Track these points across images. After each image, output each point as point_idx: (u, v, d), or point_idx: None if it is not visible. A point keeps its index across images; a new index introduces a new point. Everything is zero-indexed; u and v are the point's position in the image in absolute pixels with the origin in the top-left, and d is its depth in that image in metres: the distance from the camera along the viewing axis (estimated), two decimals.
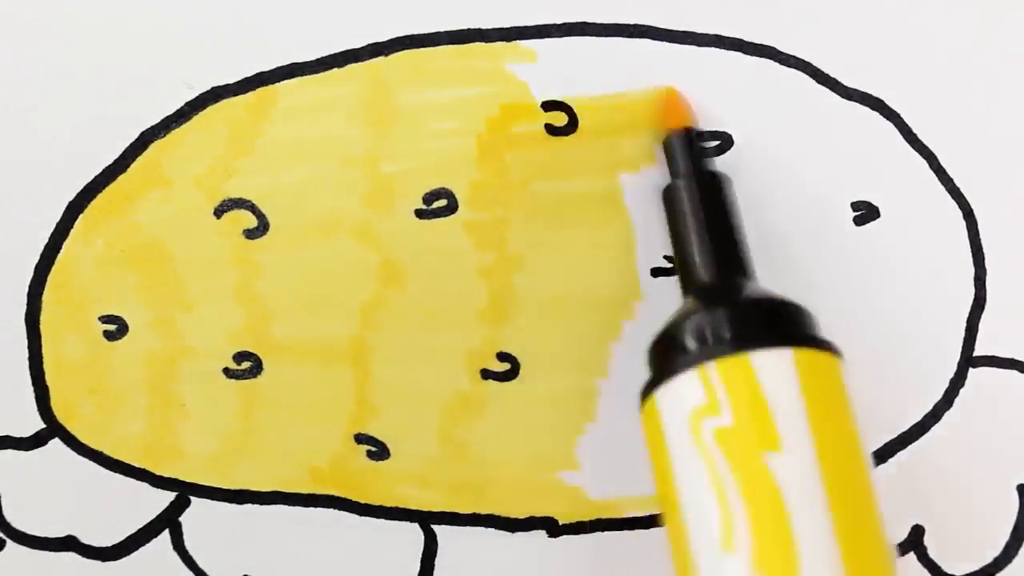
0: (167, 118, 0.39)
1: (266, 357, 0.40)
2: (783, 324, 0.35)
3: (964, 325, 0.40)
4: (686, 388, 0.33)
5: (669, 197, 0.38)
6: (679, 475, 0.33)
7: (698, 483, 0.33)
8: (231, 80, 0.39)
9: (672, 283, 0.40)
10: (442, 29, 0.39)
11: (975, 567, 0.41)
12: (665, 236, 0.38)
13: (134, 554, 0.40)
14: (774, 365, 0.33)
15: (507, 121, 0.39)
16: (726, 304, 0.35)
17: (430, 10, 0.39)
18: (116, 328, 0.40)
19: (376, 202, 0.39)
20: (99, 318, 0.40)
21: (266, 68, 0.39)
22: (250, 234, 0.40)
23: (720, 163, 0.40)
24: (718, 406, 0.33)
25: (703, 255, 0.37)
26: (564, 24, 0.39)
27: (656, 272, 0.40)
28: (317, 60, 0.39)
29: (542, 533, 0.40)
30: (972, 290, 0.40)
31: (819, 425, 0.33)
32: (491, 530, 0.40)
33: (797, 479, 0.32)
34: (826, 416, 0.33)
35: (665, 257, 0.40)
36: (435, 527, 0.40)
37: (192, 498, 0.40)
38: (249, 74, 0.39)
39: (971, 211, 0.40)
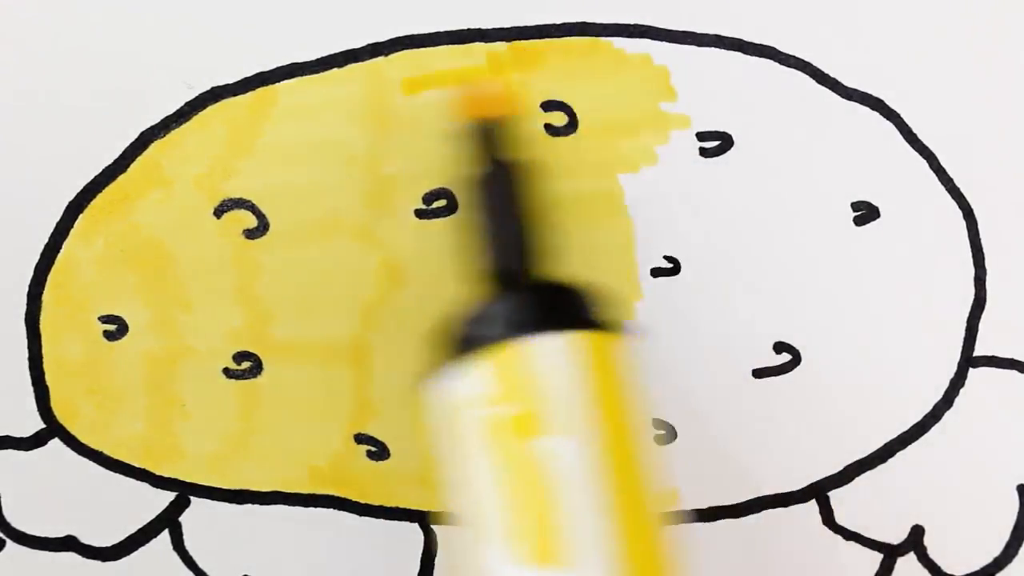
0: (167, 118, 0.39)
1: (266, 357, 0.40)
2: (558, 308, 0.35)
3: (964, 325, 0.41)
4: (467, 378, 0.34)
5: (471, 187, 0.38)
6: (454, 461, 0.34)
7: (472, 468, 0.33)
8: (231, 80, 0.39)
9: (672, 283, 0.40)
10: (442, 29, 0.39)
11: (975, 567, 0.41)
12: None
13: (134, 554, 0.40)
14: (549, 351, 0.33)
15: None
16: (507, 292, 0.35)
17: (430, 10, 0.39)
18: (116, 328, 0.40)
19: (376, 202, 0.39)
20: (99, 318, 0.40)
21: (266, 68, 0.39)
22: (250, 234, 0.40)
23: (720, 163, 0.40)
24: (498, 394, 0.33)
25: (496, 245, 0.37)
26: (564, 24, 0.39)
27: (656, 272, 0.40)
28: (317, 60, 0.39)
29: None
30: (972, 290, 0.40)
31: (594, 409, 0.33)
32: None
33: (569, 463, 0.32)
34: (602, 399, 0.33)
35: (665, 257, 0.40)
36: (435, 527, 0.40)
37: (192, 498, 0.40)
38: (249, 74, 0.39)
39: (971, 211, 0.40)
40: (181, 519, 0.40)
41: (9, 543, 0.40)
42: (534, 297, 0.35)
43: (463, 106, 0.38)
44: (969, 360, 0.41)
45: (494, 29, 0.39)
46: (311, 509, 0.40)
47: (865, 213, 0.40)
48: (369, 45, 0.39)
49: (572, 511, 0.32)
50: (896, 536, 0.40)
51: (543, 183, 0.38)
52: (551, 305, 0.35)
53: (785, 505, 0.40)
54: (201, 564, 0.40)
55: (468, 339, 0.34)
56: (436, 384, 0.35)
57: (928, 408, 0.41)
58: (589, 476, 0.32)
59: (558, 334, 0.33)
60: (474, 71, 0.39)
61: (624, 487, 0.32)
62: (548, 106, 0.39)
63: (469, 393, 0.34)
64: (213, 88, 0.39)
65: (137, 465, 0.40)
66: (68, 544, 0.40)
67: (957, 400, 0.41)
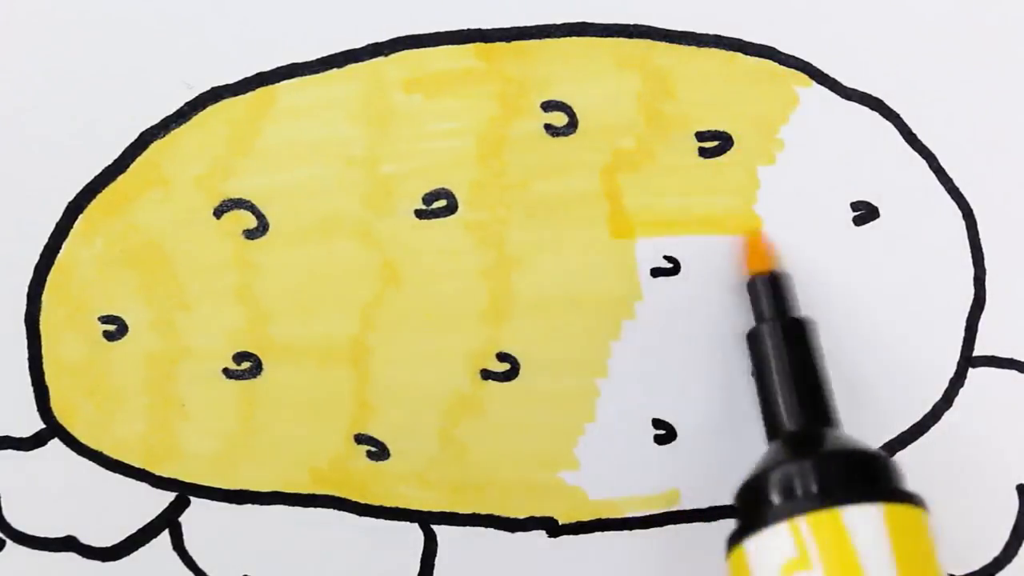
0: (167, 118, 0.39)
1: (266, 357, 0.40)
2: (872, 478, 0.35)
3: (964, 325, 0.40)
4: (776, 540, 0.34)
5: (754, 341, 0.38)
6: None
7: None
8: (231, 80, 0.39)
9: (672, 283, 0.40)
10: (442, 29, 0.39)
11: (975, 567, 0.41)
12: (751, 381, 0.39)
13: (134, 554, 0.40)
14: (864, 520, 0.33)
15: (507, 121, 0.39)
16: (814, 455, 0.35)
17: (430, 10, 0.39)
18: (116, 328, 0.40)
19: (376, 202, 0.39)
20: (99, 318, 0.40)
21: (266, 68, 0.39)
22: (250, 234, 0.40)
23: (720, 162, 0.40)
24: (809, 560, 0.33)
25: (789, 402, 0.37)
26: (564, 24, 0.39)
27: (656, 272, 0.40)
28: (317, 60, 0.39)
29: (542, 533, 0.40)
30: (972, 290, 0.40)
31: None
32: (491, 530, 0.40)
33: None
34: (915, 571, 0.34)
35: (665, 257, 0.40)
36: (435, 527, 0.40)
37: (192, 498, 0.40)
38: (249, 74, 0.39)
39: (971, 211, 0.40)
40: (181, 519, 0.40)
41: (9, 543, 0.40)
42: (841, 462, 0.35)
43: (746, 260, 0.39)
44: (969, 360, 0.41)
45: (494, 29, 0.39)
46: (311, 509, 0.40)
47: (865, 213, 0.40)
48: (369, 45, 0.39)
49: None
50: None
51: (819, 337, 0.38)
52: (860, 472, 0.35)
53: None
54: (201, 564, 0.40)
55: (774, 502, 0.34)
56: (744, 543, 0.35)
57: (928, 408, 0.41)
58: None
59: (873, 504, 0.34)
60: (752, 226, 0.40)
61: None
62: (548, 106, 0.39)
63: (778, 558, 0.33)
64: (213, 88, 0.39)
65: (137, 465, 0.40)
66: (68, 544, 0.40)
67: (957, 400, 0.41)
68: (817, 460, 0.35)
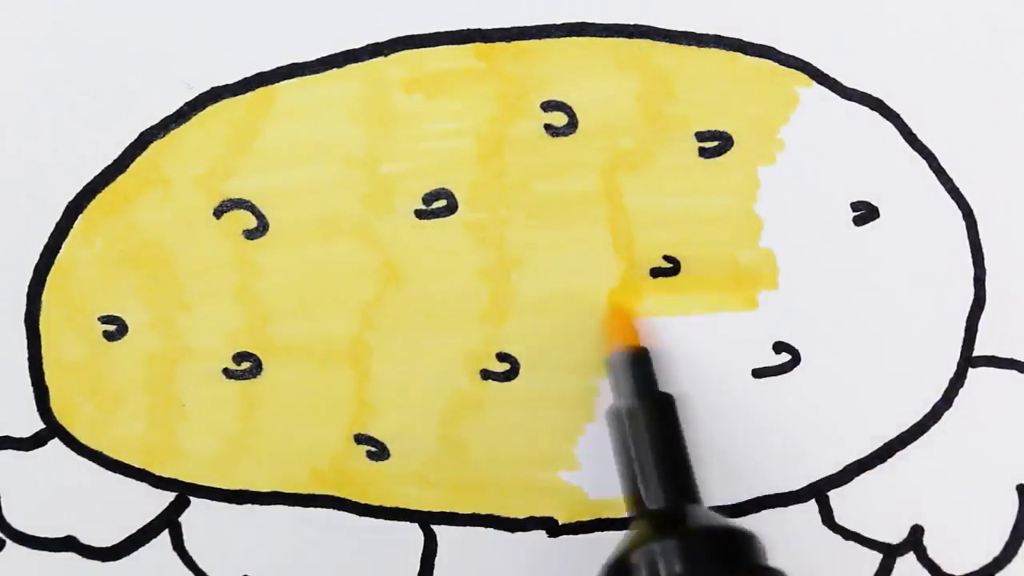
0: (167, 118, 0.39)
1: (266, 357, 0.40)
2: (734, 554, 0.35)
3: (964, 325, 0.40)
4: None
5: (616, 419, 0.38)
6: None
7: None
8: (231, 80, 0.39)
9: (671, 283, 0.40)
10: (442, 29, 0.39)
11: (975, 567, 0.41)
12: (614, 458, 0.38)
13: (134, 554, 0.40)
14: None
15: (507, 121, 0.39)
16: (677, 533, 0.35)
17: (430, 10, 0.39)
18: (116, 328, 0.40)
19: (376, 202, 0.39)
20: (99, 318, 0.40)
21: (266, 68, 0.39)
22: (250, 234, 0.40)
23: (720, 163, 0.40)
24: None
25: (652, 481, 0.36)
26: (564, 24, 0.39)
27: (656, 272, 0.40)
28: (317, 60, 0.39)
29: (542, 533, 0.41)
30: (972, 290, 0.40)
31: None
32: (491, 530, 0.40)
33: None
34: None
35: (665, 257, 0.40)
36: (435, 527, 0.40)
37: (192, 498, 0.40)
38: (249, 74, 0.39)
39: (971, 211, 0.40)
40: (181, 519, 0.40)
41: (9, 543, 0.40)
42: (707, 541, 0.35)
43: (609, 335, 0.38)
44: (969, 360, 0.41)
45: (494, 29, 0.39)
46: (311, 509, 0.40)
47: (865, 213, 0.40)
48: (369, 45, 0.39)
49: None
50: (896, 536, 0.41)
51: (682, 414, 0.38)
52: (723, 551, 0.35)
53: (785, 505, 0.40)
54: (201, 564, 0.40)
55: None
56: None
57: (928, 408, 0.41)
58: None
59: None
60: (620, 294, 0.39)
61: None
62: (548, 106, 0.39)
63: None
64: (213, 88, 0.39)
65: (137, 465, 0.40)
66: (68, 544, 0.40)
67: (957, 400, 0.41)
68: (680, 538, 0.35)
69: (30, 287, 0.40)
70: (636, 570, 0.34)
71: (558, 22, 0.39)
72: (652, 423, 0.37)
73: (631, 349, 0.38)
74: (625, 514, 0.40)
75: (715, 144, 0.40)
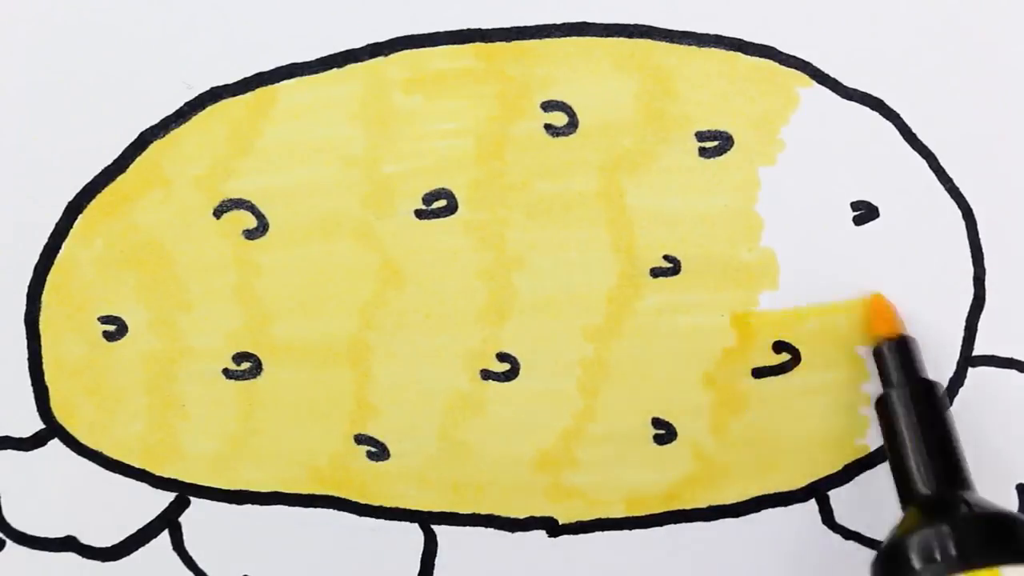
0: (167, 118, 0.39)
1: (266, 357, 0.40)
2: (1007, 540, 0.35)
3: (964, 325, 0.41)
4: None
5: (883, 407, 0.38)
6: None
7: None
8: (231, 80, 0.39)
9: (671, 283, 0.40)
10: (442, 29, 0.39)
11: None
12: (883, 446, 0.38)
13: (134, 554, 0.40)
14: None
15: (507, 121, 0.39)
16: (951, 519, 0.35)
17: (430, 10, 0.39)
18: (116, 328, 0.40)
19: (376, 202, 0.39)
20: (99, 318, 0.40)
21: (266, 68, 0.39)
22: (250, 234, 0.40)
23: (720, 163, 0.40)
24: None
25: (922, 467, 0.37)
26: (564, 24, 0.39)
27: (656, 272, 0.40)
28: (317, 60, 0.39)
29: (542, 533, 0.41)
30: (972, 290, 0.40)
31: None
32: (491, 530, 0.40)
33: None
34: None
35: (665, 257, 0.40)
36: (435, 527, 0.40)
37: (192, 498, 0.40)
38: (249, 74, 0.39)
39: (971, 211, 0.40)
40: (181, 519, 0.40)
41: (9, 543, 0.40)
42: (984, 526, 0.35)
43: (872, 326, 0.39)
44: (968, 360, 0.41)
45: (494, 29, 0.39)
46: (311, 509, 0.40)
47: (864, 213, 0.40)
48: (369, 45, 0.39)
49: None
50: None
51: (947, 400, 0.38)
52: (1003, 536, 0.35)
53: (785, 505, 0.41)
54: (201, 564, 0.40)
55: (917, 568, 0.34)
56: None
57: None
58: None
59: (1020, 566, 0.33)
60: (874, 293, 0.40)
61: None
62: (548, 106, 0.39)
63: None
64: (213, 88, 0.39)
65: (137, 465, 0.40)
66: (68, 544, 0.40)
67: (957, 400, 0.41)
68: (954, 523, 0.35)
69: (30, 287, 0.40)
70: (910, 556, 0.35)
71: (558, 22, 0.39)
72: (921, 409, 0.37)
73: (896, 338, 0.39)
74: (625, 514, 0.40)
75: (715, 144, 0.40)
